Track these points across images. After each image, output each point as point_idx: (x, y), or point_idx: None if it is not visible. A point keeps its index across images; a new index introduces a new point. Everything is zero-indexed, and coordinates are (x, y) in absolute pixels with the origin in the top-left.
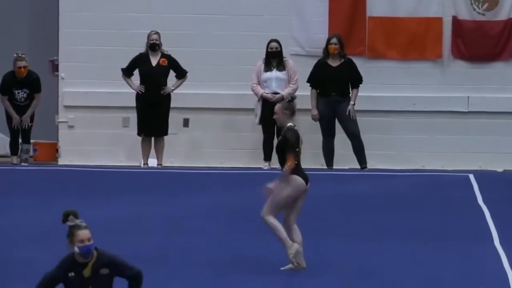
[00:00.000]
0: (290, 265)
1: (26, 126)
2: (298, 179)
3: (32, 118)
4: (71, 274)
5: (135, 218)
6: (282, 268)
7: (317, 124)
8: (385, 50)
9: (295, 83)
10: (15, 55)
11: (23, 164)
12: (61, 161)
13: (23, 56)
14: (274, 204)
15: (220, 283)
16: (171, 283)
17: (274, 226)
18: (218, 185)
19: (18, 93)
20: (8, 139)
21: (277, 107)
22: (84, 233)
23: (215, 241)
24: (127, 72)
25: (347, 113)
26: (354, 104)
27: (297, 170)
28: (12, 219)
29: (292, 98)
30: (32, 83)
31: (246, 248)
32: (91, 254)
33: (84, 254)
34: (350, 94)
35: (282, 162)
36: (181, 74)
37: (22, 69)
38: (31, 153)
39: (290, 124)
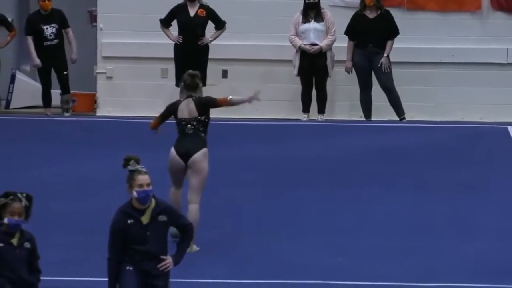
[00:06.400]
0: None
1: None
2: (171, 151)
3: (66, 66)
4: (130, 221)
5: None
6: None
7: (354, 75)
8: (424, 2)
9: (333, 35)
10: None
11: (65, 114)
12: (99, 112)
13: None
14: None
15: (256, 235)
16: (208, 233)
17: (169, 198)
18: (257, 137)
19: (47, 28)
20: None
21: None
22: (143, 178)
23: (253, 193)
24: (165, 23)
25: (379, 65)
26: (387, 56)
27: (176, 142)
28: (50, 170)
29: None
30: (59, 17)
31: (284, 200)
32: (149, 200)
33: (141, 199)
34: None
35: None
36: (220, 25)
37: (47, 2)
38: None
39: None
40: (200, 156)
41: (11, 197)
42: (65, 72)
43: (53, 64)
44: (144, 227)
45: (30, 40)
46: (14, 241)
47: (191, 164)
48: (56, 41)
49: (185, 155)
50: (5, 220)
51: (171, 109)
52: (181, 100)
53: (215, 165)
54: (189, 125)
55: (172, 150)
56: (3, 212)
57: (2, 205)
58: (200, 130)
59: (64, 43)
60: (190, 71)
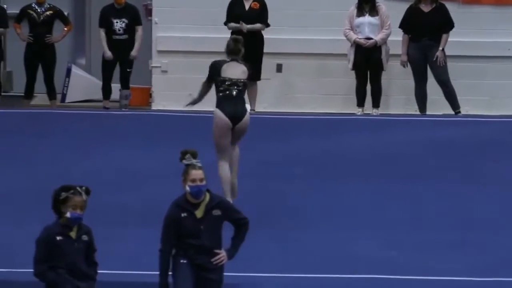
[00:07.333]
0: None
1: (133, 59)
2: (217, 113)
3: (131, 64)
4: (184, 214)
5: None
6: None
7: (409, 69)
8: None
9: (388, 28)
10: None
11: (123, 109)
12: (154, 106)
13: None
14: (216, 147)
15: (309, 228)
16: (261, 227)
17: (220, 176)
18: (311, 131)
19: (117, 22)
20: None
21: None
22: (197, 173)
23: (307, 186)
24: (228, 22)
25: (434, 59)
26: (443, 50)
27: (221, 104)
28: (104, 163)
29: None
30: (131, 13)
31: (337, 194)
32: (201, 195)
33: (194, 194)
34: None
35: None
36: (263, 23)
37: None
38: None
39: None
40: (248, 118)
41: (71, 191)
42: (128, 70)
43: (119, 58)
44: (198, 221)
45: (102, 32)
46: (73, 234)
47: (240, 126)
48: (125, 36)
49: (234, 118)
50: (68, 214)
51: (215, 68)
52: (226, 60)
53: (270, 158)
54: (235, 86)
55: (219, 111)
56: (63, 206)
57: (63, 199)
58: (242, 92)
59: (134, 40)
60: (234, 36)
